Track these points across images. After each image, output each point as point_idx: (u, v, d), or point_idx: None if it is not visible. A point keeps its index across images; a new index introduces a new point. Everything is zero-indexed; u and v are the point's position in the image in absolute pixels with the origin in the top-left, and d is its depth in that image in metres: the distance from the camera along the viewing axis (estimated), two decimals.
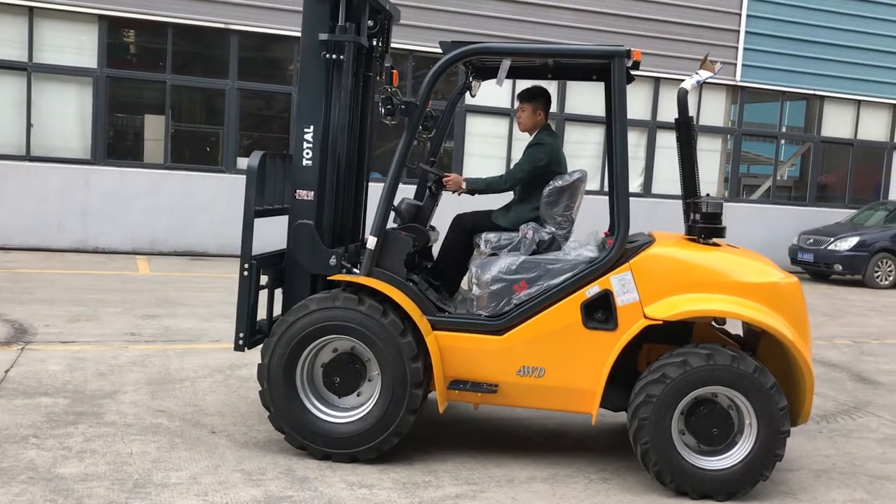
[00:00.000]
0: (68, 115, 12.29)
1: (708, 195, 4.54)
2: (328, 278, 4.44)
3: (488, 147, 14.25)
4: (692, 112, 15.07)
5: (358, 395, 4.32)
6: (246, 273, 4.35)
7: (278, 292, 4.60)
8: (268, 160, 4.48)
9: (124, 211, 12.34)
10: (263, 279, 4.59)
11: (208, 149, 13.75)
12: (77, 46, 12.18)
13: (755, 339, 4.49)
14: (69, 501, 3.54)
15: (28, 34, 11.87)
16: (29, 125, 12.01)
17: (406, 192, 5.07)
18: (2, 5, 11.70)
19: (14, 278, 9.40)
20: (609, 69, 4.31)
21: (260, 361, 4.29)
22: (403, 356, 4.13)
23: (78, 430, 4.46)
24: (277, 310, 4.59)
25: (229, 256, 12.66)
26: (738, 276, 4.19)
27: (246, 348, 4.40)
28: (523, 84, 5.20)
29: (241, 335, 4.37)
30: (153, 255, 12.36)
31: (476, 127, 14.11)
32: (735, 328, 4.67)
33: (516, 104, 5.06)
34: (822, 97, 16.40)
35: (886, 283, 14.35)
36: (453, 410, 5.19)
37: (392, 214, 4.63)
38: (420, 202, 5.07)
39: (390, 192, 4.37)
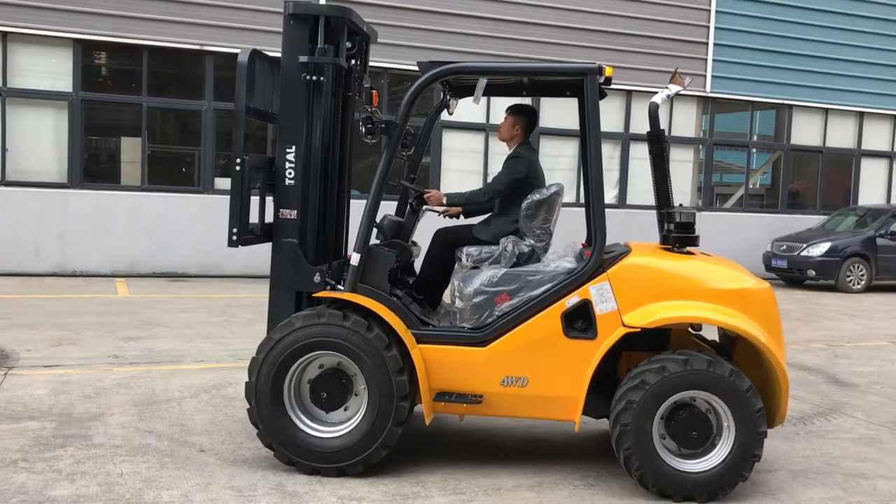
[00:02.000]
0: (44, 139, 12.27)
1: (681, 205, 4.68)
2: (313, 295, 4.51)
3: (465, 162, 14.38)
4: (664, 124, 15.41)
5: (345, 410, 4.38)
6: (238, 168, 4.41)
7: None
8: (257, 60, 4.58)
9: (102, 234, 12.32)
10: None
11: (184, 169, 13.77)
12: (52, 70, 12.17)
13: (731, 344, 4.62)
14: None
15: (2, 59, 11.85)
16: (4, 150, 11.97)
17: (387, 208, 5.16)
18: None
19: None
20: (582, 86, 4.44)
21: (247, 380, 4.35)
22: (389, 370, 4.21)
23: (67, 452, 4.49)
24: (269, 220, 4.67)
25: (209, 277, 12.69)
26: (712, 283, 4.32)
27: (239, 244, 4.46)
28: (499, 101, 5.33)
29: (235, 231, 4.42)
30: (132, 277, 12.34)
31: (452, 142, 14.25)
32: (711, 334, 4.80)
33: (502, 116, 5.19)
34: (791, 106, 16.74)
35: (858, 287, 14.63)
36: (439, 422, 5.27)
37: (374, 231, 4.72)
38: (402, 218, 5.17)
39: (372, 210, 4.46)
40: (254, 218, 4.65)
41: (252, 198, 4.52)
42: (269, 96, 4.85)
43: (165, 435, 4.88)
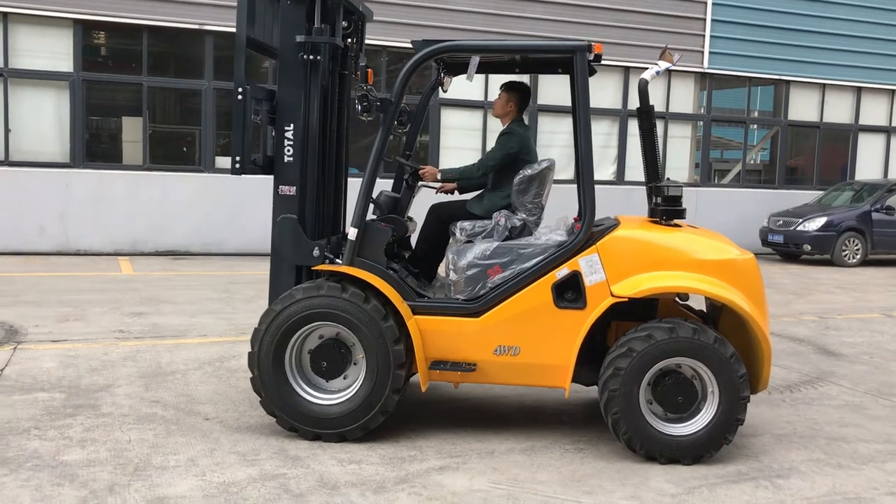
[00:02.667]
0: (46, 119, 12.38)
1: (668, 179, 4.81)
2: (312, 269, 4.67)
3: (463, 139, 14.49)
4: (662, 100, 15.50)
5: (344, 378, 4.55)
6: (240, 97, 4.51)
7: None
8: None
9: (105, 213, 12.47)
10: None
11: (184, 148, 13.88)
12: (52, 51, 12.26)
13: (716, 313, 4.78)
14: (75, 485, 3.76)
15: (3, 40, 11.94)
16: (7, 130, 12.09)
17: (383, 185, 5.30)
18: None
19: None
20: (572, 63, 4.56)
21: (249, 350, 4.51)
22: (386, 339, 4.37)
23: (77, 421, 4.66)
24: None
25: (211, 255, 12.85)
26: (697, 254, 4.47)
27: (242, 173, 4.58)
28: (497, 78, 5.45)
29: (238, 158, 4.54)
30: (135, 255, 12.50)
31: (450, 120, 14.35)
32: (699, 304, 4.95)
33: (497, 92, 5.31)
34: (789, 82, 16.79)
35: (854, 261, 14.77)
36: (435, 390, 5.45)
37: (371, 206, 4.86)
38: (397, 194, 5.30)
39: (369, 186, 4.60)
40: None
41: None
42: (269, 28, 4.90)
43: (171, 404, 5.05)
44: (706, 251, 4.50)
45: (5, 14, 11.88)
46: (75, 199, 12.34)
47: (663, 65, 4.91)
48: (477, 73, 4.86)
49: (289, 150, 4.70)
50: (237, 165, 4.54)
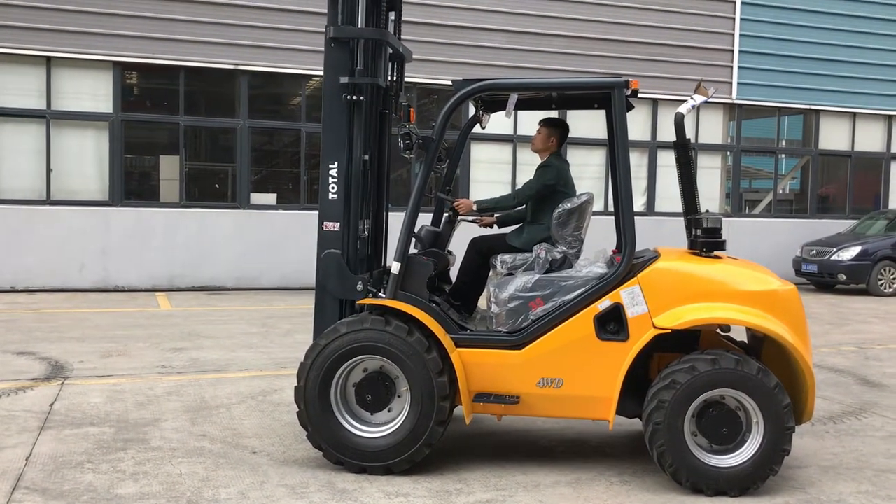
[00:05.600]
0: (86, 158, 12.70)
1: (707, 211, 4.86)
2: (357, 303, 4.75)
3: (493, 173, 14.61)
4: (691, 131, 15.53)
5: (389, 411, 4.60)
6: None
7: None
8: None
9: (142, 249, 12.71)
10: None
11: (217, 185, 14.15)
12: (93, 92, 12.61)
13: (758, 344, 4.78)
14: None
15: (46, 83, 12.31)
16: (49, 170, 12.42)
17: (423, 220, 5.39)
18: (22, 56, 12.16)
19: (42, 318, 9.74)
20: (609, 99, 4.65)
21: (295, 384, 4.58)
22: (430, 371, 4.43)
23: (128, 454, 4.76)
24: None
25: (246, 290, 13.02)
26: (739, 285, 4.49)
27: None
28: (529, 114, 5.54)
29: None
30: (172, 291, 12.70)
31: (481, 154, 14.49)
32: (740, 335, 4.96)
33: (536, 127, 5.40)
34: (818, 111, 16.76)
35: (890, 290, 14.60)
36: (478, 423, 5.48)
37: (413, 241, 4.95)
38: (438, 229, 5.39)
39: (411, 220, 4.69)
40: None
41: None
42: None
43: (218, 438, 5.13)
44: (748, 282, 4.52)
45: (48, 58, 12.26)
46: (114, 236, 12.60)
47: (699, 98, 4.97)
48: (514, 109, 4.96)
49: (333, 188, 4.82)
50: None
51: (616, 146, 4.67)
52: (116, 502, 4.01)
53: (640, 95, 4.80)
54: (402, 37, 5.36)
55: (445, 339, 4.54)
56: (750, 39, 15.87)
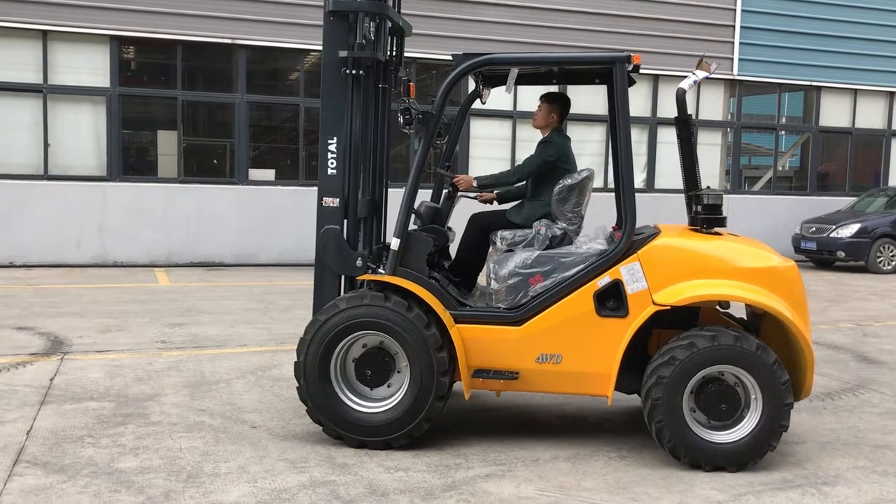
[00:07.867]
0: (83, 133, 12.63)
1: (708, 188, 4.84)
2: (356, 278, 4.74)
3: (492, 149, 14.56)
4: (691, 107, 15.45)
5: (388, 387, 4.61)
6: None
7: None
8: None
9: (141, 225, 12.68)
10: None
11: (215, 161, 14.09)
12: (90, 67, 12.52)
13: (758, 321, 4.78)
14: (131, 491, 3.85)
15: (42, 57, 12.21)
16: (46, 145, 12.35)
17: (422, 195, 5.37)
18: (17, 30, 12.06)
19: (40, 294, 9.74)
20: (611, 74, 4.61)
21: (295, 360, 4.59)
22: (429, 347, 4.43)
23: (128, 429, 4.77)
24: None
25: (245, 266, 13.01)
26: (738, 262, 4.49)
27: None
28: (529, 89, 5.50)
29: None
30: (170, 267, 12.69)
31: (480, 130, 14.42)
32: (739, 312, 4.96)
33: (536, 103, 5.36)
34: (819, 88, 16.68)
35: (888, 267, 14.62)
36: (477, 399, 5.49)
37: (412, 217, 4.94)
38: (437, 205, 5.37)
39: (411, 197, 4.67)
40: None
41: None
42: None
43: (218, 413, 5.15)
44: (748, 259, 4.51)
45: (45, 32, 12.16)
46: (112, 211, 12.56)
47: (701, 74, 4.94)
48: (515, 84, 4.92)
49: (332, 163, 4.79)
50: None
51: (617, 122, 4.65)
52: (117, 476, 4.03)
53: (640, 71, 4.76)
54: (402, 10, 5.31)
55: (445, 315, 4.54)
56: (751, 15, 15.75)
